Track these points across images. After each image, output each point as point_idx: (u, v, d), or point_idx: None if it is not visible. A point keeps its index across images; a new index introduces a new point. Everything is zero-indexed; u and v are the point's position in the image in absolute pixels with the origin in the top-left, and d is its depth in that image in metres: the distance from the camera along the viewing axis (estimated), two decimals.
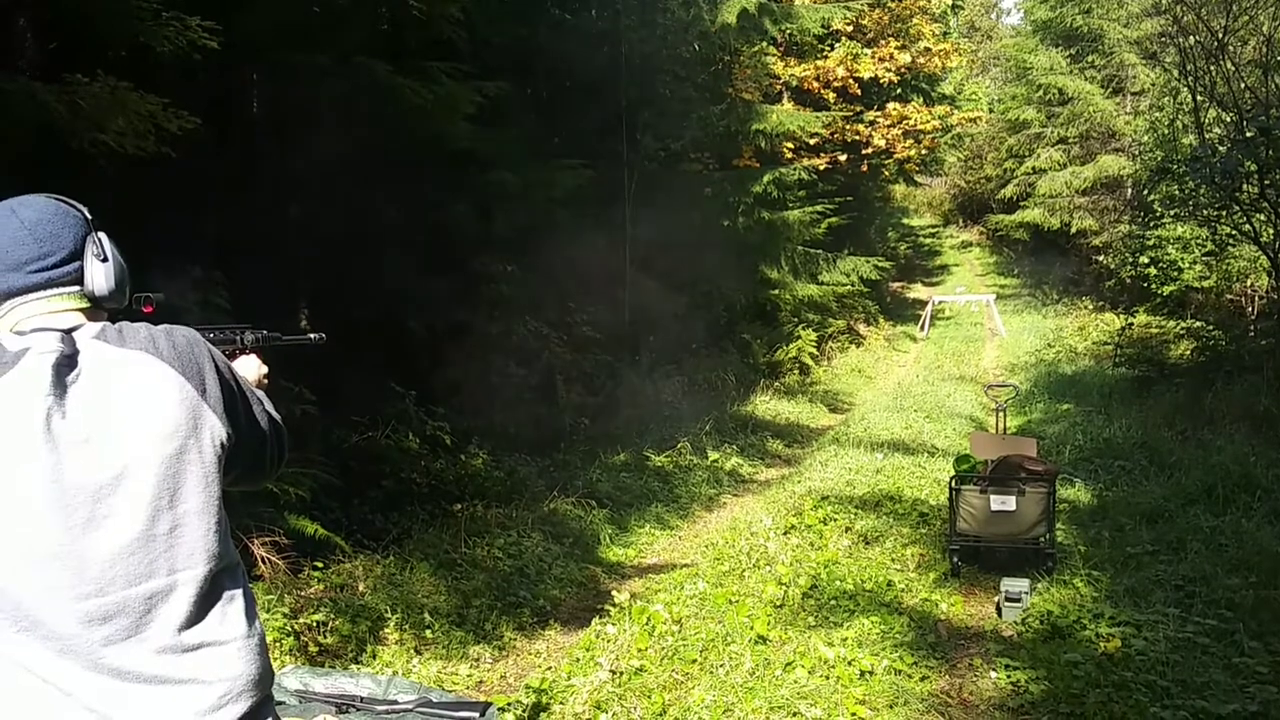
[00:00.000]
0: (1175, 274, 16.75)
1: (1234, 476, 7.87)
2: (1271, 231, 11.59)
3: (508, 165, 9.85)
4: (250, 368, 2.18)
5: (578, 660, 5.29)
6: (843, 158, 23.90)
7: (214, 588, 1.68)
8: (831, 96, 23.97)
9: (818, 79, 23.72)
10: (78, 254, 1.72)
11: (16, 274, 1.68)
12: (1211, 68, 12.10)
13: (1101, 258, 25.10)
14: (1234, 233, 12.63)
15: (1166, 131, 16.96)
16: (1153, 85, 24.08)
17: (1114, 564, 6.58)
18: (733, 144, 18.88)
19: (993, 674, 5.02)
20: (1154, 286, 17.41)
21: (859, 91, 24.62)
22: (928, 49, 26.13)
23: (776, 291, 20.06)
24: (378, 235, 8.62)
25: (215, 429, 1.68)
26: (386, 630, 5.59)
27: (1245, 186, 11.22)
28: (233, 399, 1.76)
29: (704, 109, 16.35)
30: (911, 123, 25.83)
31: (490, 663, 5.67)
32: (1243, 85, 11.96)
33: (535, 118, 11.68)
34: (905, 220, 44.10)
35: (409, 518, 7.38)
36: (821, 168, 21.86)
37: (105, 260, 1.73)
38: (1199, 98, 12.61)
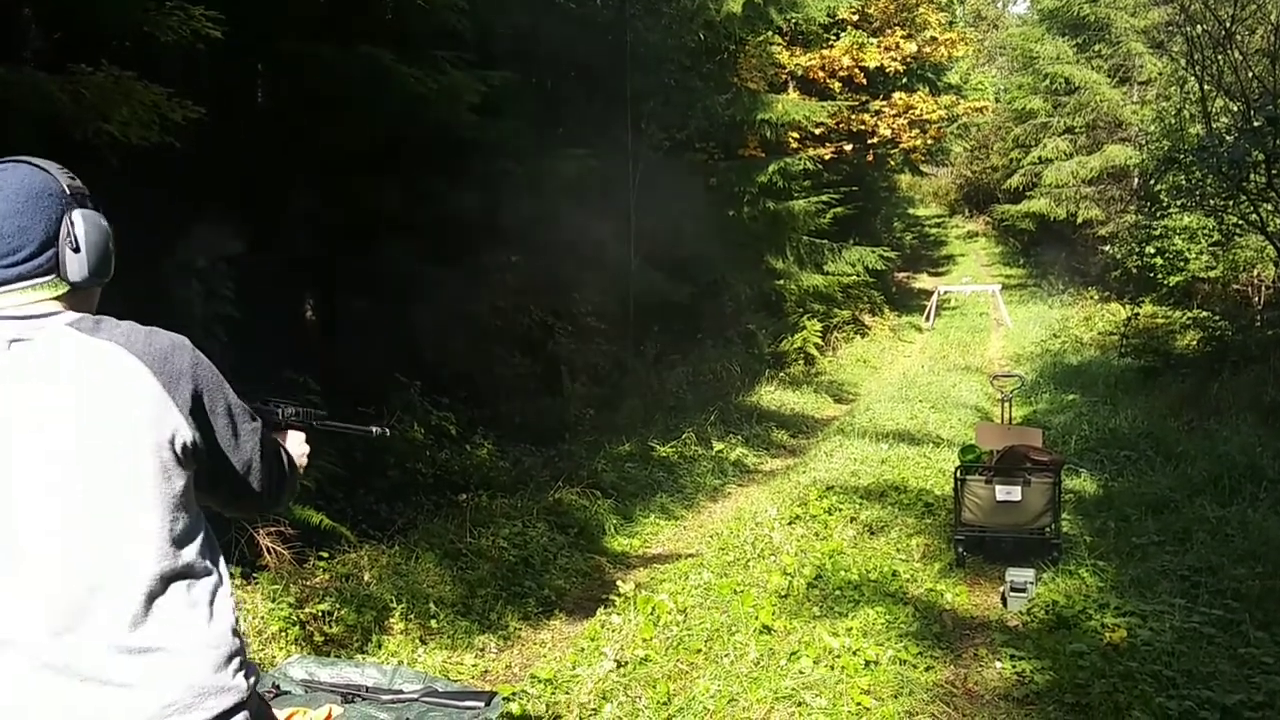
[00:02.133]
0: (1181, 264, 16.68)
1: (1240, 467, 7.86)
2: (1279, 221, 11.55)
3: (512, 154, 9.84)
4: (295, 443, 2.13)
5: (583, 650, 5.30)
6: (848, 147, 23.82)
7: (172, 590, 1.65)
8: (837, 86, 23.87)
9: (823, 68, 23.62)
10: (51, 240, 1.68)
11: None
12: (1219, 57, 12.03)
13: (1107, 248, 25.01)
14: (1240, 222, 12.59)
15: (1173, 121, 16.89)
16: (1160, 74, 24.01)
17: (1119, 554, 6.57)
18: (738, 133, 18.83)
19: (998, 664, 5.02)
20: (1160, 276, 17.34)
21: (865, 81, 24.51)
22: (934, 38, 26.00)
23: (782, 282, 20.03)
24: (382, 224, 8.62)
25: (180, 429, 1.65)
26: (392, 620, 5.60)
27: (1252, 176, 11.17)
28: (209, 410, 1.72)
29: (709, 98, 16.29)
30: (917, 112, 25.73)
31: (496, 652, 5.68)
32: (1250, 74, 11.90)
33: (540, 107, 11.65)
34: (911, 210, 43.99)
35: (414, 508, 7.39)
36: (827, 157, 21.81)
37: (78, 250, 1.69)
38: (1206, 87, 12.54)
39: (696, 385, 14.74)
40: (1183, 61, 14.39)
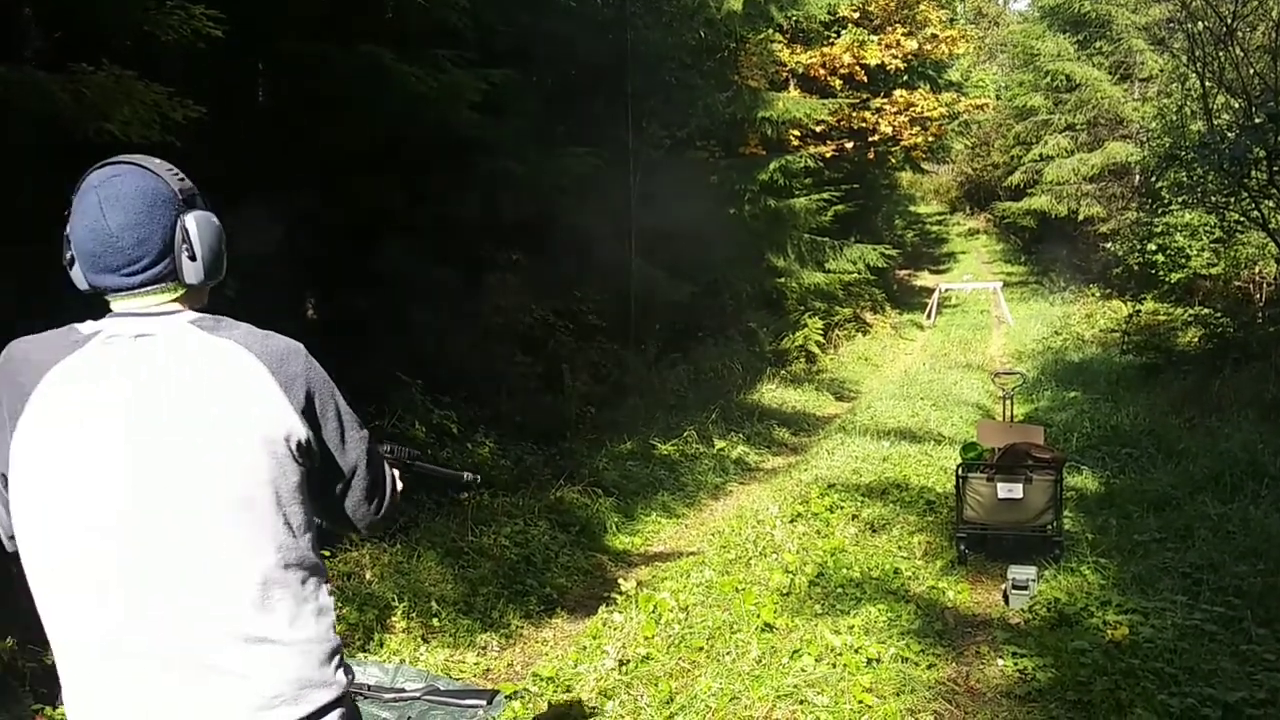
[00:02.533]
0: (1183, 261, 16.69)
1: (1242, 464, 7.85)
2: None
3: (513, 153, 9.83)
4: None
5: (585, 648, 5.30)
6: (849, 145, 23.83)
7: (285, 583, 1.69)
8: (838, 83, 23.87)
9: (824, 66, 23.62)
10: (168, 249, 1.72)
11: (112, 276, 1.70)
12: (1220, 53, 12.02)
13: (1109, 245, 25.01)
14: (1242, 219, 12.58)
15: (1174, 118, 16.86)
16: (1161, 71, 23.98)
17: (1121, 551, 6.57)
18: (739, 131, 18.83)
19: (1000, 661, 5.02)
20: (1161, 273, 17.35)
21: (865, 78, 24.50)
22: (934, 35, 26.00)
23: (783, 279, 20.03)
24: (383, 223, 8.62)
25: (294, 428, 1.69)
26: (394, 618, 5.61)
27: (1254, 173, 11.16)
28: (320, 413, 1.77)
29: (710, 96, 16.27)
30: (918, 110, 25.73)
31: (498, 651, 5.68)
32: (1251, 71, 11.89)
33: (540, 105, 11.64)
34: (912, 208, 44.00)
35: (416, 506, 7.39)
36: (828, 155, 21.82)
37: (195, 259, 1.74)
38: (1207, 83, 12.53)
39: (698, 383, 14.74)
40: (1184, 58, 14.39)
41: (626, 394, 12.67)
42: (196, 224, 1.75)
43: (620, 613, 5.65)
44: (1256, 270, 16.34)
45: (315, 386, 1.75)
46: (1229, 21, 11.79)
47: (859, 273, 22.26)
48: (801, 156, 19.48)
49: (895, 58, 24.81)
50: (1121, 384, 14.09)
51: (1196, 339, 14.41)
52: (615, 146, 13.22)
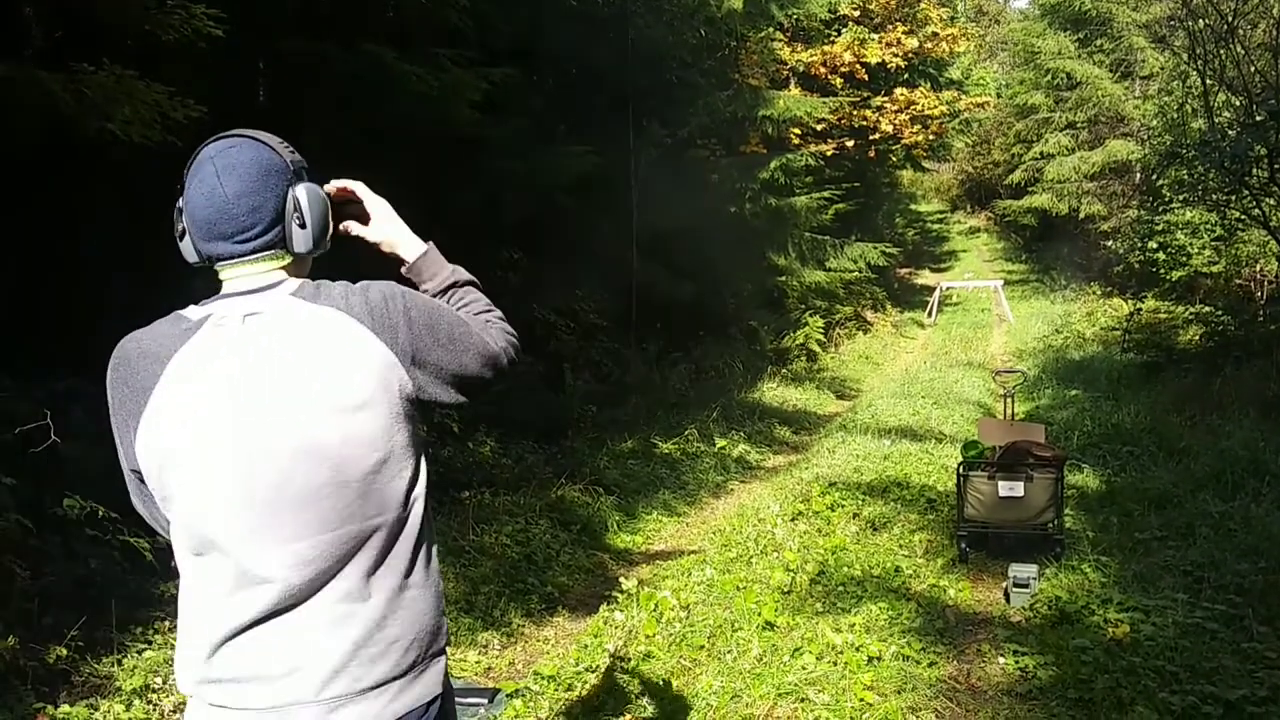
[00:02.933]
0: (1184, 259, 16.65)
1: (1243, 462, 7.85)
2: None
3: (514, 152, 9.83)
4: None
5: (586, 647, 5.31)
6: (850, 143, 23.83)
7: (404, 536, 1.76)
8: (838, 82, 23.88)
9: (825, 64, 23.63)
10: (279, 217, 1.78)
11: (224, 243, 1.76)
12: (1221, 51, 12.02)
13: (1110, 243, 25.00)
14: (1243, 217, 12.57)
15: (1175, 116, 16.86)
16: (1162, 69, 23.98)
17: (1122, 549, 6.57)
18: (739, 130, 18.83)
19: (1001, 659, 5.03)
20: (1162, 272, 17.32)
21: (866, 77, 24.51)
22: (935, 34, 26.01)
23: (784, 278, 20.02)
24: None
25: (404, 382, 1.74)
26: None
27: (1255, 171, 11.16)
28: (429, 347, 1.79)
29: (710, 95, 16.27)
30: (919, 108, 25.74)
31: (499, 649, 5.68)
32: (1252, 69, 11.88)
33: (541, 104, 11.64)
34: (913, 206, 43.99)
35: None
36: (828, 154, 21.82)
37: (304, 226, 1.80)
38: (1208, 81, 12.53)
39: (699, 382, 14.74)
40: (1185, 56, 14.38)
41: (628, 392, 12.67)
42: (307, 194, 1.81)
43: (621, 611, 5.66)
44: (1257, 268, 16.33)
45: (413, 319, 1.78)
46: (1230, 19, 11.79)
47: (860, 271, 22.25)
48: (802, 155, 19.49)
49: (896, 56, 24.82)
50: (1122, 382, 14.08)
51: (1197, 337, 14.40)
52: (616, 145, 13.21)
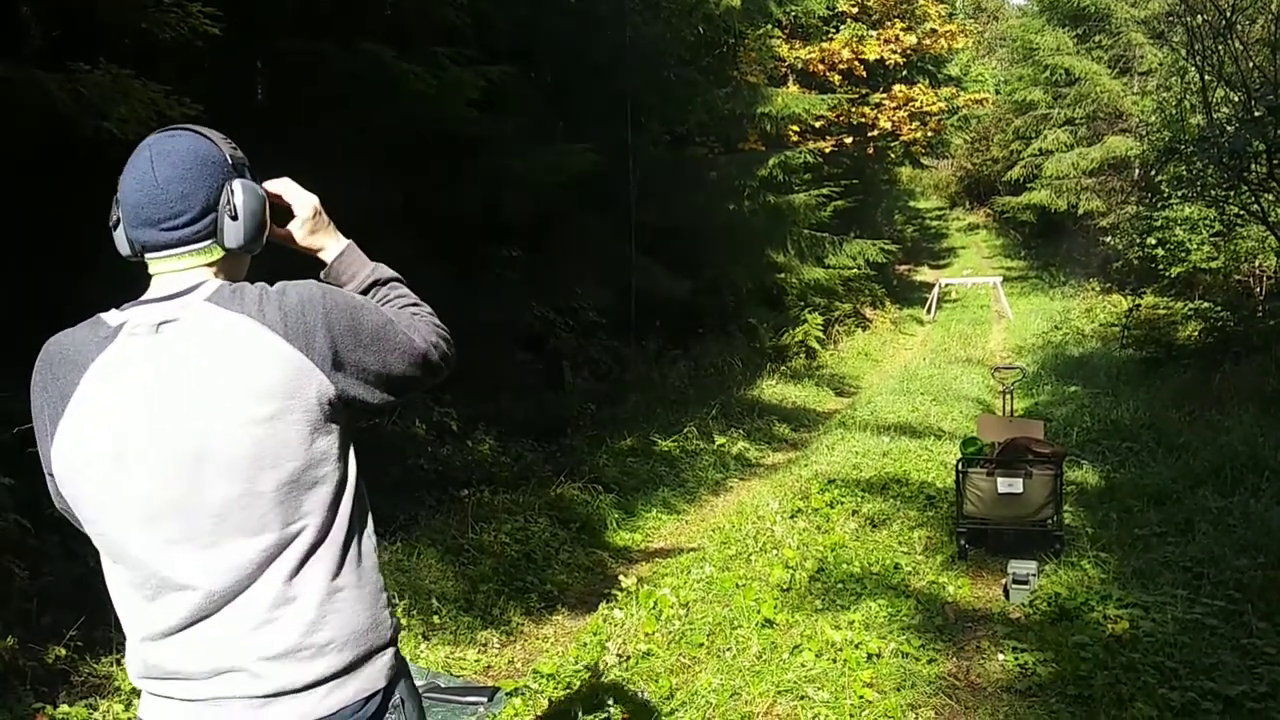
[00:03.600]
0: (1183, 255, 16.65)
1: (1242, 457, 7.84)
2: None
3: (512, 150, 9.83)
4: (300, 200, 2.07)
5: (585, 645, 5.31)
6: (848, 140, 23.84)
7: (329, 541, 1.73)
8: (837, 79, 23.89)
9: (823, 61, 23.65)
10: (211, 207, 1.76)
11: (151, 229, 1.73)
12: (1219, 46, 12.01)
13: (1109, 239, 24.99)
14: (1242, 213, 12.57)
15: (1174, 111, 16.86)
16: (1160, 65, 23.95)
17: (1122, 546, 6.56)
18: (738, 127, 18.83)
19: (1000, 656, 5.02)
20: (1161, 267, 17.33)
21: (864, 74, 24.53)
22: (933, 30, 26.02)
23: (782, 275, 20.02)
24: (382, 221, 8.61)
25: (323, 388, 1.69)
26: None
27: (1253, 166, 11.16)
28: (349, 352, 1.75)
29: (709, 92, 16.27)
30: (917, 105, 25.77)
31: (498, 648, 5.68)
32: (1251, 64, 11.88)
33: (539, 102, 11.64)
34: (911, 203, 44.02)
35: (416, 504, 7.39)
36: (827, 151, 21.83)
37: (236, 218, 1.77)
38: (1207, 77, 12.52)
39: (698, 379, 14.74)
40: (1183, 52, 14.36)
41: (627, 390, 12.67)
42: (242, 189, 1.78)
43: (621, 609, 5.66)
44: (1256, 264, 16.31)
45: (334, 320, 1.73)
46: (1228, 15, 11.79)
47: (859, 268, 22.25)
48: (801, 152, 19.48)
49: (894, 53, 24.83)
50: (1121, 378, 14.09)
51: (1196, 333, 14.40)
52: (614, 143, 13.21)
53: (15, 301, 5.64)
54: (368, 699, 1.76)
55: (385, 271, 2.10)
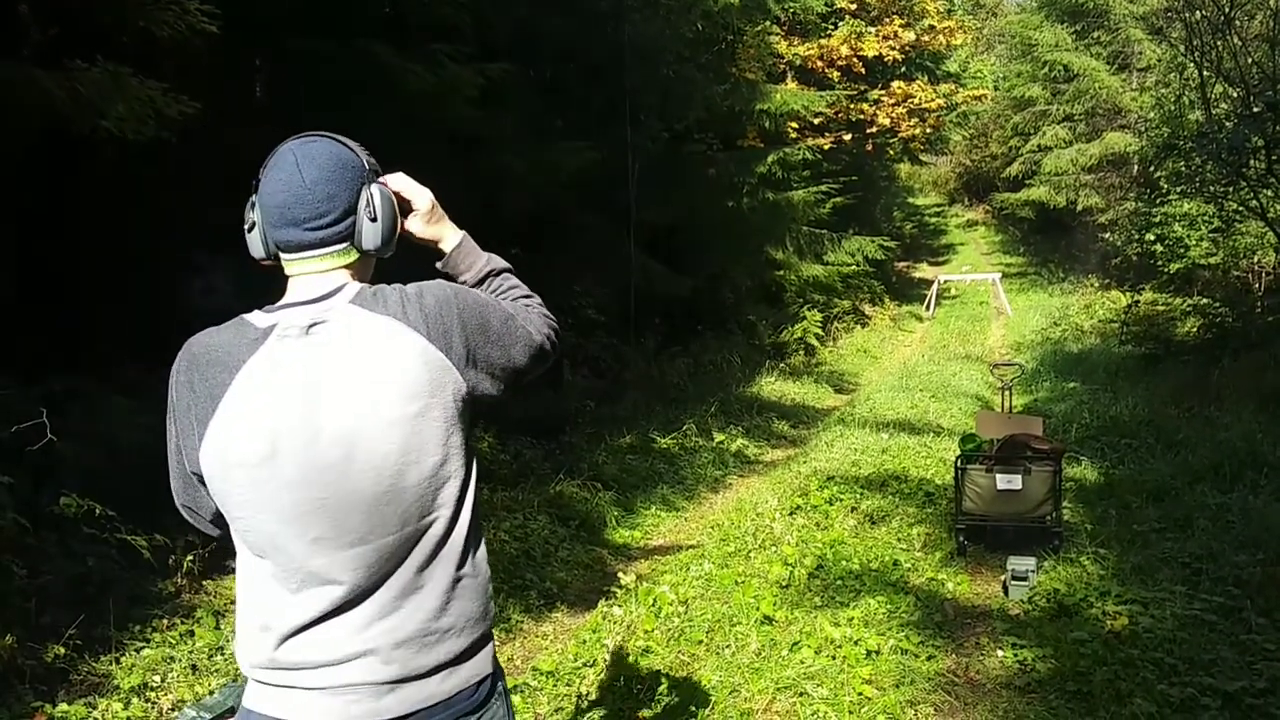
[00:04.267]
0: (1182, 251, 16.66)
1: (1241, 453, 7.85)
2: (1279, 207, 11.54)
3: (511, 148, 9.82)
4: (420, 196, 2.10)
5: (584, 642, 5.31)
6: (847, 137, 23.85)
7: (456, 531, 1.82)
8: (835, 75, 23.89)
9: (821, 58, 23.65)
10: (352, 209, 1.82)
11: (296, 230, 1.80)
12: (1218, 42, 12.02)
13: (1108, 235, 25.01)
14: (1241, 209, 12.57)
15: (1173, 107, 16.84)
16: (1159, 61, 23.94)
17: (1121, 542, 6.57)
18: (737, 124, 18.81)
19: (999, 653, 5.03)
20: (1160, 264, 17.33)
21: (863, 70, 24.54)
22: (932, 26, 26.02)
23: (782, 272, 20.03)
24: None
25: (458, 385, 1.79)
26: None
27: (1252, 162, 11.16)
28: (481, 348, 1.84)
29: (708, 89, 16.25)
30: (916, 101, 25.77)
31: (498, 645, 5.67)
32: (1249, 60, 11.88)
33: (538, 100, 11.63)
34: (910, 199, 44.03)
35: None
36: (826, 147, 21.81)
37: (375, 220, 1.84)
38: (1205, 73, 12.53)
39: (697, 377, 14.74)
40: (1182, 48, 14.36)
41: (626, 388, 12.67)
42: (380, 193, 1.86)
43: (620, 606, 5.66)
44: (1255, 260, 16.32)
45: (466, 322, 1.81)
46: (1227, 10, 11.78)
47: (857, 265, 22.26)
48: (799, 149, 19.46)
49: (893, 49, 24.84)
50: (1120, 374, 14.09)
51: (1195, 329, 14.42)
52: (613, 140, 13.21)
53: (10, 301, 5.64)
54: (479, 683, 1.84)
55: (499, 262, 2.18)
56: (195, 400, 1.74)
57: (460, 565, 1.82)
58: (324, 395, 1.70)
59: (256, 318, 1.78)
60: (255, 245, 1.86)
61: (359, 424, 1.69)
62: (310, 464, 1.68)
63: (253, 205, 1.84)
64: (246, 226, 1.86)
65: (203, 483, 1.77)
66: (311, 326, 1.74)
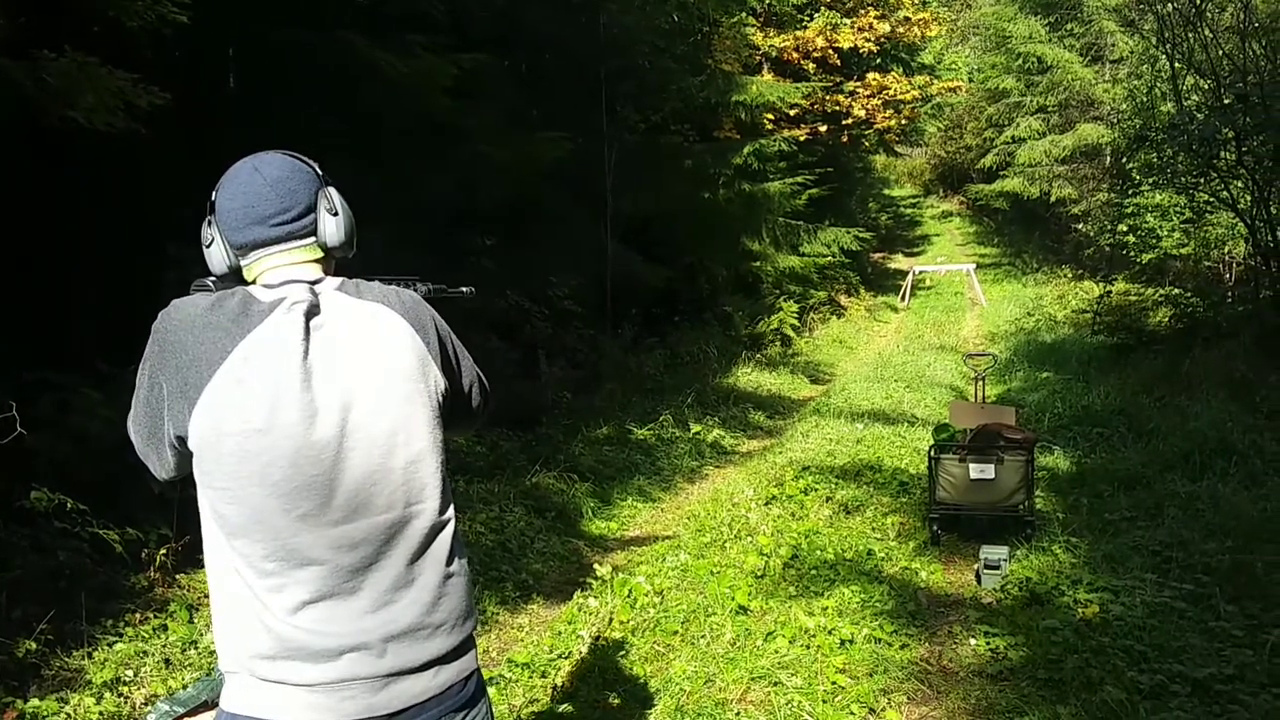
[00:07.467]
0: (1154, 242, 16.80)
1: (1211, 442, 7.92)
2: (1249, 198, 11.65)
3: (487, 138, 9.78)
4: None
5: (560, 634, 5.31)
6: (823, 128, 23.88)
7: (440, 523, 1.86)
8: (811, 67, 23.90)
9: (797, 49, 23.64)
10: (312, 208, 1.89)
11: (261, 227, 1.85)
12: (1189, 34, 12.11)
13: (1081, 226, 25.19)
14: (1212, 200, 12.69)
15: (1145, 99, 16.96)
16: (1131, 53, 24.11)
17: (1092, 530, 6.63)
18: (713, 115, 18.80)
19: (972, 641, 5.07)
20: (1133, 254, 17.48)
21: (839, 62, 24.55)
22: (907, 18, 26.04)
23: (758, 263, 20.05)
24: (357, 210, 8.57)
25: (437, 379, 1.87)
26: None
27: (1223, 153, 11.27)
28: (449, 355, 1.95)
29: (684, 80, 16.26)
30: (891, 93, 25.80)
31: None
32: (1220, 52, 11.97)
33: (514, 90, 11.59)
34: (886, 191, 44.19)
35: None
36: (802, 139, 21.84)
37: (336, 214, 1.91)
38: (1177, 65, 12.63)
39: (674, 367, 14.75)
40: (1154, 40, 14.47)
41: (603, 379, 12.67)
42: (336, 192, 1.93)
43: (596, 597, 5.67)
44: (1226, 250, 16.47)
45: (439, 328, 1.93)
46: (1198, 3, 11.87)
47: (833, 256, 22.31)
48: (775, 140, 19.47)
49: (868, 41, 24.85)
50: (1093, 364, 14.19)
51: (1167, 319, 14.53)
52: (590, 131, 13.19)
53: None
54: (467, 679, 1.89)
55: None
56: (189, 362, 1.71)
57: (449, 563, 1.86)
58: (328, 372, 1.73)
59: (259, 292, 1.80)
60: (217, 259, 1.90)
61: (359, 401, 1.74)
62: (305, 438, 1.70)
63: (210, 223, 1.89)
64: (205, 243, 1.91)
65: (182, 449, 1.76)
66: (314, 305, 1.78)
